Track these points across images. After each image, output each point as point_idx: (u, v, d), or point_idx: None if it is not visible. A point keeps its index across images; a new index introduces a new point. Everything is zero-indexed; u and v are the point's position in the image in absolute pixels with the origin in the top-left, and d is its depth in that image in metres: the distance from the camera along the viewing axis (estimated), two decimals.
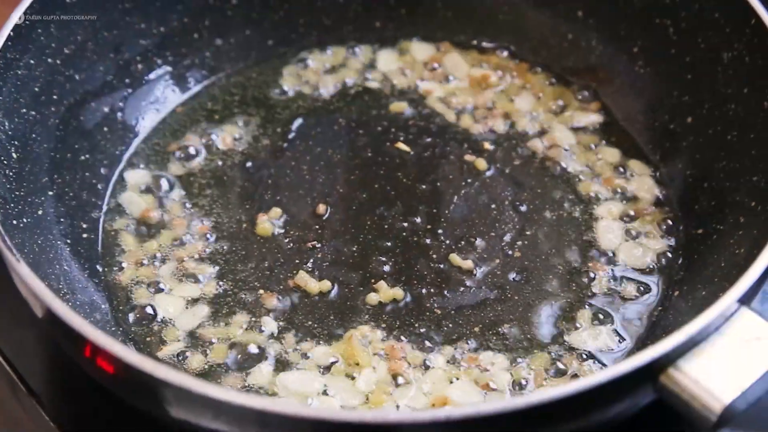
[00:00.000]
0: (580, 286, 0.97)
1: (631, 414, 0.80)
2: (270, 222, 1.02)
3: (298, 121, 1.13)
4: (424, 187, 1.06)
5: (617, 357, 0.92)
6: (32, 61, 0.98)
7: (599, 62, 1.14)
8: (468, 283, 0.97)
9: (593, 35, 1.15)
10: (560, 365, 0.91)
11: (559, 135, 1.10)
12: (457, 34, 1.20)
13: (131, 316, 0.95)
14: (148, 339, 0.93)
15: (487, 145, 1.10)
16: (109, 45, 1.08)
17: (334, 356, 0.91)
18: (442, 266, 0.99)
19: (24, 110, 0.97)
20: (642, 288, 0.97)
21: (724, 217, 0.95)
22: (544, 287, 0.97)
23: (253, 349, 0.92)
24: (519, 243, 1.01)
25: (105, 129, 1.07)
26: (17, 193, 0.92)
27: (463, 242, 1.01)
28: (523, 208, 1.04)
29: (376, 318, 0.94)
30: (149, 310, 0.95)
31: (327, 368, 0.91)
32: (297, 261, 0.99)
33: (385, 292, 0.96)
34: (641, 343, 0.92)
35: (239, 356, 0.92)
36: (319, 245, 1.01)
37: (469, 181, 1.07)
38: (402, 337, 0.93)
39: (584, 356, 0.91)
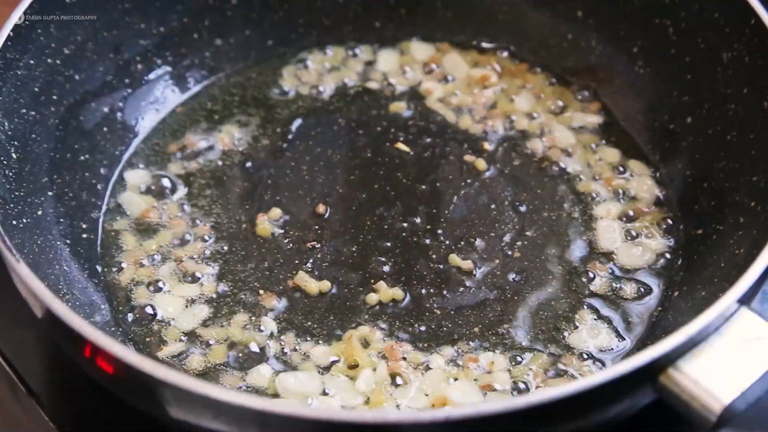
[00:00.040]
0: (579, 286, 0.97)
1: (631, 414, 0.80)
2: (270, 222, 1.02)
3: (298, 122, 1.13)
4: (423, 187, 1.06)
5: (617, 357, 0.92)
6: (32, 61, 0.98)
7: (599, 62, 1.14)
8: (468, 283, 0.97)
9: (593, 35, 1.15)
10: (560, 365, 0.91)
11: (558, 135, 1.10)
12: (457, 35, 1.20)
13: (131, 317, 0.95)
14: (147, 339, 0.93)
15: (487, 146, 1.10)
16: (108, 45, 1.08)
17: (334, 356, 0.91)
18: (441, 266, 0.99)
19: (24, 110, 0.97)
20: (641, 288, 0.97)
21: (723, 218, 0.95)
22: (544, 287, 0.97)
23: (253, 349, 0.92)
24: (519, 243, 1.01)
25: (105, 129, 1.07)
26: (17, 193, 0.92)
27: (462, 242, 1.01)
28: (523, 209, 1.04)
29: (376, 318, 0.94)
30: (149, 310, 0.95)
31: (327, 368, 0.91)
32: (297, 261, 0.99)
33: (384, 293, 0.96)
34: (641, 344, 0.92)
35: (239, 356, 0.92)
36: (318, 245, 1.01)
37: (468, 181, 1.07)
38: (402, 338, 0.93)
39: (584, 356, 0.91)
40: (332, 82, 1.17)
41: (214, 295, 0.96)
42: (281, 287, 0.97)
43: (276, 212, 1.03)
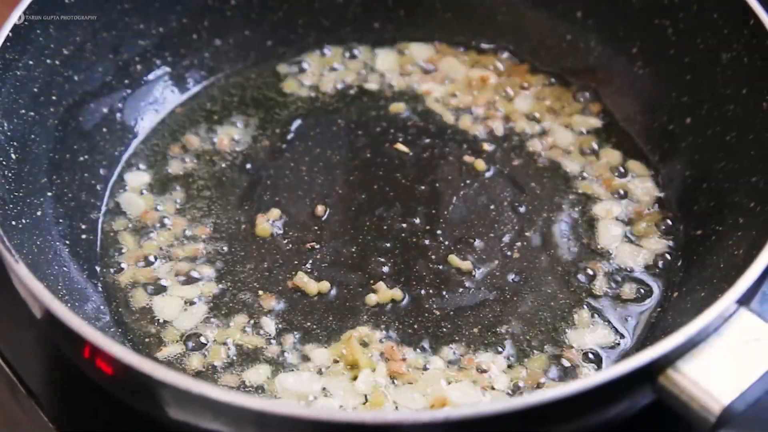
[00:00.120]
0: (578, 286, 0.97)
1: (630, 415, 0.80)
2: (269, 223, 1.02)
3: (297, 122, 1.13)
4: (423, 187, 1.06)
5: (616, 358, 0.92)
6: (31, 62, 0.98)
7: (598, 63, 1.15)
8: (467, 284, 0.97)
9: (592, 36, 1.15)
10: (559, 366, 0.91)
11: (558, 136, 1.10)
12: (456, 35, 1.20)
13: (130, 317, 0.95)
14: (147, 340, 0.93)
15: (486, 146, 1.10)
16: (108, 45, 1.08)
17: (333, 357, 0.91)
18: (441, 267, 0.99)
19: (23, 111, 0.97)
20: (641, 289, 0.97)
21: (723, 218, 0.95)
22: (543, 288, 0.97)
23: (252, 349, 0.92)
24: (518, 244, 1.01)
25: (104, 130, 1.07)
26: (16, 194, 0.92)
27: (462, 243, 1.01)
28: (522, 209, 1.04)
29: (375, 319, 0.94)
30: (148, 310, 0.95)
31: (326, 369, 0.91)
32: (296, 262, 0.99)
33: (384, 293, 0.96)
34: (640, 344, 0.92)
35: (238, 357, 0.92)
36: (318, 246, 1.01)
37: (468, 182, 1.07)
38: (401, 338, 0.93)
39: (583, 357, 0.91)
40: (331, 83, 1.17)
41: (214, 296, 0.96)
42: (280, 288, 0.97)
43: (275, 213, 1.03)
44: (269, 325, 0.94)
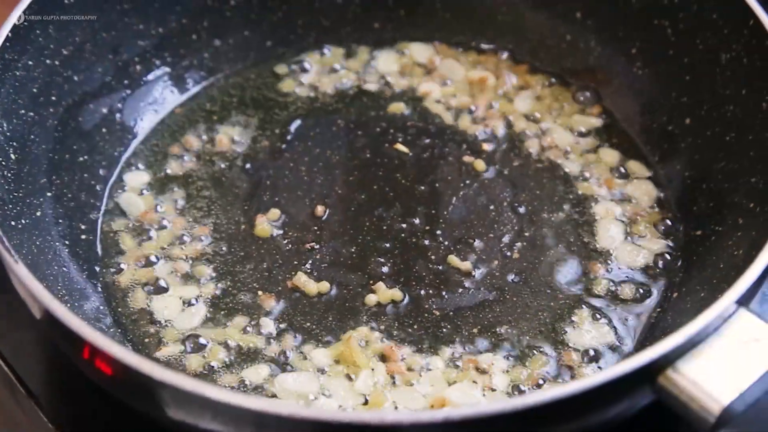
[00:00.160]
0: (578, 287, 0.97)
1: (630, 415, 0.80)
2: (268, 223, 1.02)
3: (297, 122, 1.13)
4: (422, 188, 1.06)
5: (616, 358, 0.92)
6: (30, 62, 0.98)
7: (598, 63, 1.15)
8: (467, 284, 0.97)
9: (592, 36, 1.15)
10: (559, 366, 0.91)
11: (557, 136, 1.10)
12: (456, 36, 1.20)
13: (130, 317, 0.95)
14: (146, 340, 0.93)
15: (486, 147, 1.10)
16: (107, 46, 1.08)
17: (333, 357, 0.91)
18: (440, 267, 0.99)
19: (22, 111, 0.97)
20: (640, 289, 0.97)
21: (722, 219, 0.95)
22: (543, 288, 0.97)
23: (252, 350, 0.92)
24: (518, 244, 1.01)
25: (103, 130, 1.07)
26: (15, 194, 0.92)
27: (461, 243, 1.01)
28: (522, 210, 1.04)
29: (375, 319, 0.94)
30: (148, 311, 0.95)
31: (325, 369, 0.90)
32: (295, 262, 0.99)
33: (383, 294, 0.96)
34: (640, 345, 0.92)
35: (237, 357, 0.92)
36: (317, 246, 1.01)
37: (467, 182, 1.07)
38: (400, 338, 0.93)
39: (583, 357, 0.91)
40: (331, 83, 1.17)
41: (213, 296, 0.96)
42: (280, 288, 0.97)
43: (275, 213, 1.03)
44: (269, 325, 0.94)
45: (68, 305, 0.87)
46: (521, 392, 0.89)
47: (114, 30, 1.08)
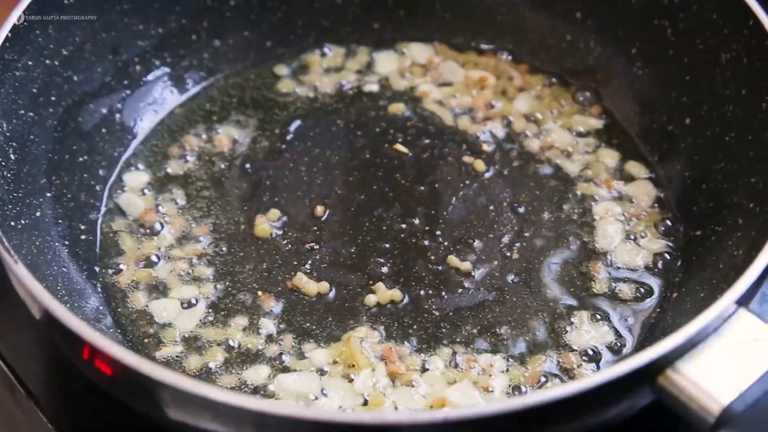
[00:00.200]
0: (578, 287, 0.97)
1: (629, 415, 0.80)
2: (268, 223, 1.02)
3: (297, 123, 1.13)
4: (422, 188, 1.06)
5: (615, 358, 0.92)
6: (30, 62, 0.98)
7: (598, 63, 1.14)
8: (466, 284, 0.97)
9: (591, 36, 1.15)
10: (558, 367, 0.91)
11: (557, 136, 1.10)
12: (456, 36, 1.20)
13: (129, 318, 0.95)
14: (146, 340, 0.93)
15: (486, 147, 1.10)
16: (107, 46, 1.08)
17: (333, 357, 0.91)
18: (440, 268, 0.99)
19: (22, 111, 0.97)
20: (640, 289, 0.97)
21: (722, 219, 0.95)
22: (542, 289, 0.97)
23: (251, 350, 0.92)
24: (517, 244, 1.01)
25: (103, 130, 1.07)
26: (15, 194, 0.92)
27: (461, 244, 1.00)
28: (522, 210, 1.04)
29: (375, 319, 0.94)
30: (147, 311, 0.95)
31: (325, 370, 0.90)
32: (295, 262, 0.99)
33: (383, 294, 0.96)
34: (639, 345, 0.92)
35: (237, 357, 0.92)
36: (317, 247, 1.01)
37: (467, 182, 1.07)
38: (400, 339, 0.93)
39: (582, 357, 0.91)
40: (331, 84, 1.17)
41: (213, 297, 0.96)
42: (280, 288, 0.97)
43: (274, 213, 1.03)
44: (268, 325, 0.94)
45: (68, 305, 0.87)
46: (521, 392, 0.89)
47: (114, 30, 1.08)
